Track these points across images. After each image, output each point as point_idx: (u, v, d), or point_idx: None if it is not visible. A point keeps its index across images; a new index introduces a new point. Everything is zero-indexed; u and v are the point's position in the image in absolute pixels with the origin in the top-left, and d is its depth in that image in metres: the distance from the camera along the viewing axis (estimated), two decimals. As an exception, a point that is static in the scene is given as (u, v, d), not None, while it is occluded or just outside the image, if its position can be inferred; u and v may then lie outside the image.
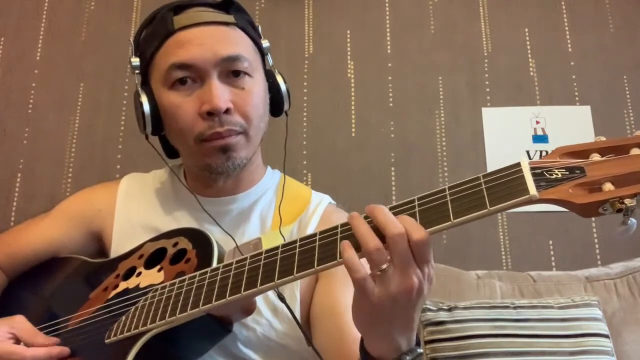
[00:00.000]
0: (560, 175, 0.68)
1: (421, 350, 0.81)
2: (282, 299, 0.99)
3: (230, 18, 1.11)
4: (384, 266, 0.74)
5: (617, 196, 0.64)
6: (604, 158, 0.68)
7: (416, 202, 0.77)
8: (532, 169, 0.70)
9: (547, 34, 2.10)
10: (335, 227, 0.81)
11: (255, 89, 1.10)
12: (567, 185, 0.67)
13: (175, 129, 1.10)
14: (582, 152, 0.70)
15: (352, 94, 2.06)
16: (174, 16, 1.09)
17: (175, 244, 1.05)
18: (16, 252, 1.23)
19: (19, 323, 1.00)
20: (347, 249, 0.76)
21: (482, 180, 0.73)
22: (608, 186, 0.65)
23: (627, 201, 0.63)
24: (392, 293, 0.74)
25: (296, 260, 0.81)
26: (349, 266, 0.75)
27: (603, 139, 0.70)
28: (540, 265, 1.86)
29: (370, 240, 0.74)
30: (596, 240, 1.91)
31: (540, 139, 1.98)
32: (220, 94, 1.04)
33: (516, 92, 2.05)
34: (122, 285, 1.04)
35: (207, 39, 1.06)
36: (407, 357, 0.80)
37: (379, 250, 0.74)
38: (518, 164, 0.71)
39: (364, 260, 0.76)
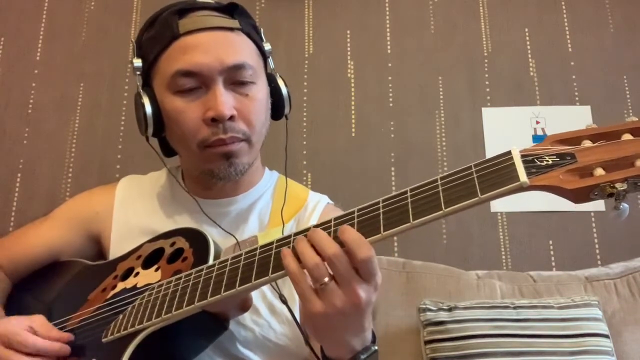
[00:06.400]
0: (551, 162, 0.68)
1: (376, 347, 0.83)
2: (283, 300, 0.99)
3: (235, 23, 1.10)
4: (325, 279, 0.75)
5: (607, 180, 0.63)
6: (595, 144, 0.68)
7: (409, 193, 0.77)
8: (522, 156, 0.70)
9: (547, 34, 2.10)
10: (329, 221, 0.81)
11: (259, 95, 1.10)
12: (558, 172, 0.67)
13: (177, 134, 1.10)
14: (573, 139, 0.70)
15: (352, 94, 2.06)
16: (179, 20, 1.08)
17: (173, 244, 1.05)
18: (17, 257, 1.23)
19: (39, 319, 1.00)
20: (286, 255, 0.78)
21: (473, 170, 0.73)
22: (599, 171, 0.65)
23: (617, 185, 0.63)
24: (339, 307, 0.75)
25: None
26: (289, 275, 0.77)
27: (594, 126, 0.70)
28: (540, 265, 1.86)
29: (308, 256, 0.75)
30: (596, 240, 1.90)
31: (540, 139, 1.97)
32: (225, 100, 1.04)
33: (516, 92, 2.05)
34: (120, 286, 1.04)
35: (212, 46, 1.06)
36: (362, 357, 0.81)
37: (316, 266, 0.75)
38: (509, 152, 0.72)
39: None
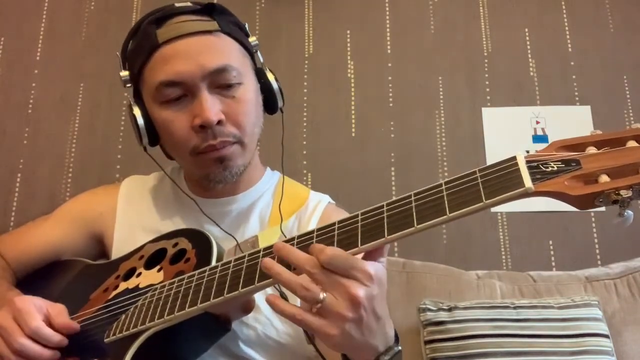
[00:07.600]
0: (555, 168, 0.68)
1: (399, 348, 0.81)
2: (284, 298, 0.98)
3: (213, 25, 1.09)
4: (320, 296, 0.74)
5: (612, 187, 0.64)
6: (600, 151, 0.68)
7: (412, 198, 0.77)
8: (527, 162, 0.70)
9: (547, 34, 2.10)
10: (333, 224, 0.81)
11: (247, 95, 1.09)
12: (563, 178, 0.67)
13: (170, 143, 1.11)
14: (578, 145, 0.70)
15: (352, 94, 2.06)
16: (157, 29, 1.07)
17: (175, 245, 1.05)
18: (20, 255, 1.23)
19: (58, 307, 0.98)
20: (275, 301, 0.77)
21: (478, 175, 0.73)
22: (604, 178, 0.65)
23: (622, 192, 0.63)
24: (348, 316, 0.74)
25: None
26: (296, 320, 0.76)
27: (599, 132, 0.70)
28: (540, 265, 1.86)
29: (293, 281, 0.75)
30: (596, 240, 1.90)
31: (540, 139, 1.98)
32: (211, 106, 1.04)
33: (516, 92, 2.04)
34: (122, 286, 1.04)
35: (192, 52, 1.05)
36: (385, 357, 0.80)
37: (303, 287, 0.74)
38: (514, 158, 0.71)
39: None
